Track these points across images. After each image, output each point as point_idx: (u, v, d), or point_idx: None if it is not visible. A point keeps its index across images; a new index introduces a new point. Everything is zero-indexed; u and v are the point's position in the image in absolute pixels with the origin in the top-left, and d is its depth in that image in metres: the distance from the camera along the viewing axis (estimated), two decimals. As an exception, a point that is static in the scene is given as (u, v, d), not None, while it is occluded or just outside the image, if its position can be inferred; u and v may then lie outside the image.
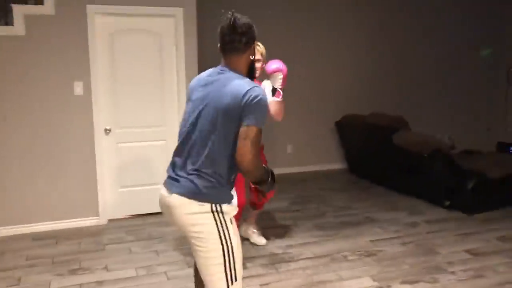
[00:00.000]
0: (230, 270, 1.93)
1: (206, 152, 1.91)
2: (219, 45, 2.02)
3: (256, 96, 1.85)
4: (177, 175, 1.98)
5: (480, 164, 4.81)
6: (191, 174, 1.92)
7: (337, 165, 6.68)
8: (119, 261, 3.55)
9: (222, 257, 1.90)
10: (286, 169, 6.26)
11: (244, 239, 3.85)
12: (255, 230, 3.91)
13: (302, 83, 6.27)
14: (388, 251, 3.74)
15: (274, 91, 3.28)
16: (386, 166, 5.47)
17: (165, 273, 3.35)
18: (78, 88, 4.14)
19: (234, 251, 1.93)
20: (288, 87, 6.00)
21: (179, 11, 4.33)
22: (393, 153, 5.14)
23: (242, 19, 1.98)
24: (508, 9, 7.03)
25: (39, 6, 3.98)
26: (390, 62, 6.77)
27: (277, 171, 6.17)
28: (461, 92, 7.24)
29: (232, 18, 1.95)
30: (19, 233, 4.10)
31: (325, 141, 6.60)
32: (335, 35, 6.43)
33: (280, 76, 3.21)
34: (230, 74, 1.97)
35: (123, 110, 4.35)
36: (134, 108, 4.38)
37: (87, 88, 4.16)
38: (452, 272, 3.36)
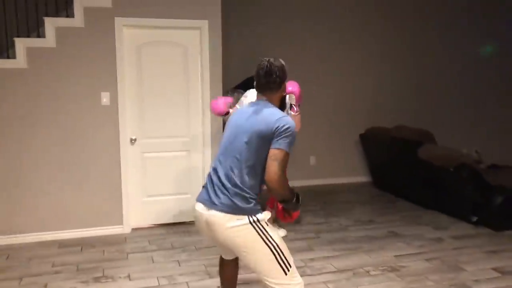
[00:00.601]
0: (283, 261, 2.21)
1: (243, 172, 2.17)
2: (255, 83, 2.33)
3: (286, 124, 2.14)
4: (215, 192, 2.21)
5: (509, 180, 4.68)
6: (229, 192, 2.16)
7: (361, 178, 6.62)
8: (141, 270, 3.59)
9: (272, 254, 2.18)
10: (308, 181, 6.23)
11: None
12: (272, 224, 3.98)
13: (326, 94, 6.26)
14: (412, 267, 3.67)
15: (290, 106, 3.79)
16: (411, 180, 5.39)
17: (187, 283, 3.36)
18: (105, 99, 4.24)
19: (279, 244, 2.20)
20: (312, 99, 6.04)
21: (204, 24, 4.40)
22: (418, 167, 5.07)
23: (276, 62, 2.29)
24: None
25: (70, 19, 4.11)
26: (416, 75, 6.70)
27: (299, 183, 6.22)
28: (489, 105, 7.10)
29: (268, 64, 2.27)
30: (45, 239, 4.20)
31: (349, 153, 6.55)
32: (362, 48, 6.41)
33: (293, 96, 3.72)
34: (264, 103, 2.28)
35: (149, 120, 4.42)
36: (159, 119, 4.45)
37: (114, 99, 4.25)
38: (479, 291, 3.28)
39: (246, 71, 5.48)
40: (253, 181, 2.18)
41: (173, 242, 4.18)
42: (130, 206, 4.44)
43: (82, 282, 3.37)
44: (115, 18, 4.17)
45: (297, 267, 3.60)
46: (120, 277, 3.45)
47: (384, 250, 4.03)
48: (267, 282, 2.24)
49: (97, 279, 3.41)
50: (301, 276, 3.43)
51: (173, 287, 3.30)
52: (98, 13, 4.14)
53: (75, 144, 4.21)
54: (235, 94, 4.96)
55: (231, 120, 2.38)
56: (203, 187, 2.36)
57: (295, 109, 3.77)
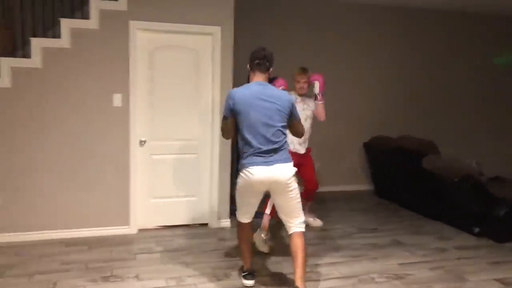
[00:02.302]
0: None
1: (281, 134, 3.11)
2: (256, 66, 3.23)
3: (291, 99, 3.25)
4: (270, 154, 3.06)
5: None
6: (281, 150, 3.10)
7: (364, 186, 6.67)
8: (149, 270, 3.62)
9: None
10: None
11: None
12: (311, 218, 4.85)
13: (332, 102, 6.30)
14: (417, 275, 3.72)
15: (315, 97, 4.44)
16: (414, 190, 5.44)
17: (195, 285, 3.40)
18: (117, 100, 4.29)
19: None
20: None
21: (217, 30, 4.46)
22: (422, 177, 5.13)
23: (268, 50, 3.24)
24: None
25: (86, 21, 4.16)
26: (420, 85, 6.77)
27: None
28: (493, 116, 7.16)
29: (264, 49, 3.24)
30: (51, 238, 4.22)
31: (353, 161, 6.61)
32: (369, 56, 6.49)
33: (316, 83, 4.35)
34: (267, 84, 3.19)
35: (159, 122, 4.48)
36: (169, 121, 4.50)
37: (126, 100, 4.31)
38: (483, 301, 3.33)
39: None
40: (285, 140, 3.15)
41: (179, 244, 4.22)
42: (138, 207, 4.48)
43: (92, 280, 3.41)
44: (129, 21, 4.23)
45: (307, 272, 3.67)
46: (128, 277, 3.49)
47: (389, 258, 4.08)
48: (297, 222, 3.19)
49: (106, 278, 3.45)
50: (307, 281, 3.51)
51: (182, 289, 3.34)
52: (113, 16, 4.19)
53: (86, 144, 4.26)
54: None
55: (247, 103, 3.06)
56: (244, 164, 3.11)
57: (319, 97, 4.38)
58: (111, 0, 4.19)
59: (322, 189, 6.32)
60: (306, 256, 3.22)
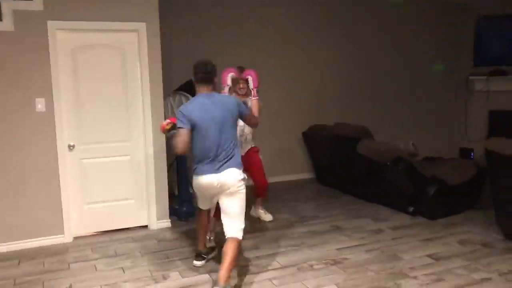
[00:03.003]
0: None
1: (230, 143, 3.25)
2: (199, 79, 3.36)
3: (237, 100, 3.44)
4: (220, 161, 3.22)
5: (441, 170, 4.95)
6: (231, 156, 3.25)
7: (305, 175, 6.77)
8: (83, 279, 3.50)
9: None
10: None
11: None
12: (262, 211, 4.92)
13: (269, 94, 6.33)
14: (353, 259, 3.81)
15: (250, 92, 4.23)
16: (352, 175, 5.58)
17: (131, 290, 3.32)
18: (40, 105, 4.09)
19: None
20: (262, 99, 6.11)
21: (142, 26, 4.34)
22: (358, 162, 5.26)
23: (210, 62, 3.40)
24: (464, 18, 7.31)
25: (-2, 23, 3.93)
26: (355, 73, 6.93)
27: (248, 181, 6.27)
28: (424, 101, 7.46)
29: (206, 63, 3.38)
30: (-21, 254, 3.99)
31: (293, 151, 6.69)
32: (305, 47, 6.55)
33: (250, 78, 4.13)
34: (214, 93, 3.36)
35: (87, 125, 4.31)
36: (98, 124, 4.35)
37: (50, 105, 4.11)
38: (415, 277, 3.45)
39: (188, 73, 5.48)
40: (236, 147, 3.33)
41: (117, 249, 4.10)
42: (71, 214, 4.31)
43: (20, 296, 3.24)
44: (47, 21, 4.03)
45: (243, 266, 3.68)
46: (61, 288, 3.35)
47: (328, 244, 4.15)
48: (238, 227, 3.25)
49: (36, 292, 3.30)
50: (247, 274, 3.52)
51: (117, 295, 3.25)
52: (29, 16, 3.98)
53: (10, 153, 4.03)
54: (177, 96, 4.95)
55: (198, 116, 3.19)
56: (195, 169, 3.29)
57: (253, 93, 4.19)
58: (26, 0, 3.97)
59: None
60: (235, 261, 3.25)
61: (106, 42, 4.31)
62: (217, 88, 3.45)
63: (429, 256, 3.85)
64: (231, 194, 3.23)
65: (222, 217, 3.30)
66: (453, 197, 4.85)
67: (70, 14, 4.09)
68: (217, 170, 3.20)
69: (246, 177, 3.37)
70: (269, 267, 3.66)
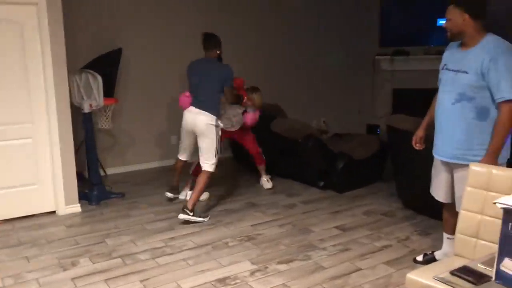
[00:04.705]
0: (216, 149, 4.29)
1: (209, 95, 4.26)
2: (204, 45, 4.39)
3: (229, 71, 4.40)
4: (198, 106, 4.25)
5: (349, 146, 5.22)
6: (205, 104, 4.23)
7: (223, 153, 6.77)
8: (-18, 272, 3.26)
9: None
10: (171, 161, 6.21)
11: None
12: (265, 179, 5.32)
13: (181, 76, 6.23)
14: (267, 234, 3.92)
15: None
16: (267, 153, 5.69)
17: (37, 280, 3.15)
18: None
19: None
20: (168, 77, 5.98)
21: (41, -1, 4.03)
22: (271, 140, 5.37)
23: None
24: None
25: None
26: (265, 53, 6.97)
27: (162, 163, 6.19)
28: (334, 80, 7.75)
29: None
30: None
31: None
32: (211, 17, 6.47)
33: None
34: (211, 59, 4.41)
35: (-19, 107, 3.96)
36: (-6, 105, 4.01)
37: None
38: (323, 248, 3.64)
39: (95, 50, 5.22)
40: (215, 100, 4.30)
41: (20, 238, 3.86)
42: (-34, 203, 3.98)
43: None
44: None
45: (157, 248, 3.65)
46: (-45, 284, 3.10)
47: (242, 221, 4.23)
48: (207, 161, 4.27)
49: None
50: (161, 256, 3.50)
51: (21, 286, 3.07)
52: None
53: None
54: (83, 74, 4.69)
55: (194, 69, 4.43)
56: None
57: (242, 98, 4.92)
58: None
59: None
60: (202, 189, 4.24)
61: (1, 16, 3.95)
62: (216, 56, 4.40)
63: (337, 227, 4.07)
64: (202, 135, 4.21)
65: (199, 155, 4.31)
66: (359, 171, 5.14)
67: (-45, -17, 3.69)
68: (194, 113, 4.27)
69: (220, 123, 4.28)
70: (184, 248, 3.66)
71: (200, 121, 4.20)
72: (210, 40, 4.38)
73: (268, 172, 5.34)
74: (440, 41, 6.89)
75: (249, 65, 6.86)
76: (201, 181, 4.20)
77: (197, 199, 4.20)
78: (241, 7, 6.64)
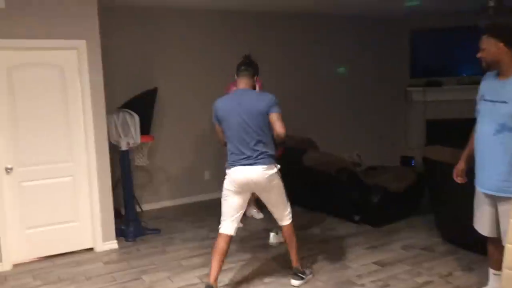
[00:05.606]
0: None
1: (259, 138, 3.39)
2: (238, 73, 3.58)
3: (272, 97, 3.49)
4: (248, 157, 3.33)
5: (384, 179, 5.15)
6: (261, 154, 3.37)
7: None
8: (24, 309, 3.33)
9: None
10: (204, 196, 6.27)
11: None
12: (254, 210, 5.34)
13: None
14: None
15: None
16: (299, 187, 5.65)
17: (76, 316, 3.19)
18: (-27, 127, 3.89)
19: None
20: (201, 115, 6.11)
21: (82, 43, 4.24)
22: (304, 174, 5.35)
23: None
24: (397, 32, 7.69)
25: None
26: (298, 86, 7.05)
27: (195, 198, 6.21)
28: (366, 113, 7.72)
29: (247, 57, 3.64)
30: None
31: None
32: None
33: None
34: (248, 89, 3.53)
35: (26, 147, 4.13)
36: (38, 144, 4.18)
37: (-17, 126, 3.92)
38: (362, 285, 3.55)
39: (132, 89, 5.40)
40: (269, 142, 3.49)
41: (60, 274, 3.93)
42: (10, 240, 4.10)
43: (-47, 332, 3.03)
44: (-21, 39, 3.86)
45: (193, 284, 3.63)
46: (-1, 321, 3.17)
47: (278, 256, 4.18)
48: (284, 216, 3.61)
49: (-29, 327, 3.10)
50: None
51: (61, 323, 3.11)
52: (-42, 34, 3.80)
53: None
54: (121, 114, 4.85)
55: (226, 110, 3.43)
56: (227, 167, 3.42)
57: None
58: (-46, 17, 3.79)
59: (212, 196, 6.27)
60: (296, 244, 3.65)
61: (44, 60, 4.18)
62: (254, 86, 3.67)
63: (375, 263, 3.97)
64: (263, 189, 3.41)
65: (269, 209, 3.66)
66: (395, 204, 5.03)
67: (3, 32, 3.93)
68: (248, 165, 3.33)
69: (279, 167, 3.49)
70: (220, 284, 3.63)
71: (260, 177, 3.32)
72: (252, 65, 3.52)
73: (300, 205, 5.28)
74: (473, 71, 6.83)
75: (280, 97, 6.93)
76: (290, 235, 3.57)
77: (297, 256, 3.62)
78: (274, 41, 6.76)
